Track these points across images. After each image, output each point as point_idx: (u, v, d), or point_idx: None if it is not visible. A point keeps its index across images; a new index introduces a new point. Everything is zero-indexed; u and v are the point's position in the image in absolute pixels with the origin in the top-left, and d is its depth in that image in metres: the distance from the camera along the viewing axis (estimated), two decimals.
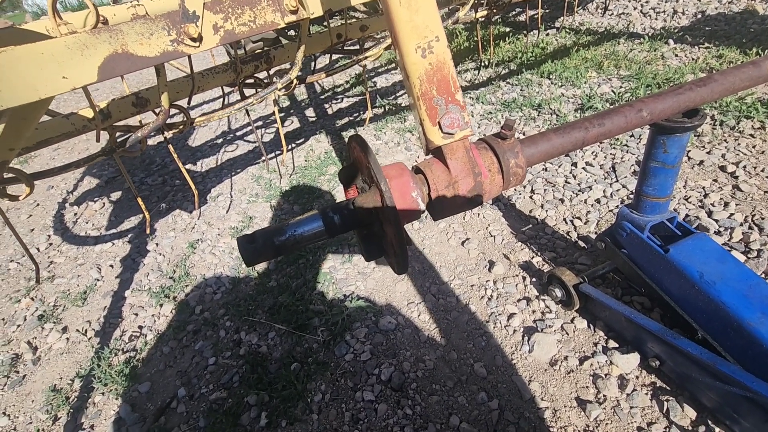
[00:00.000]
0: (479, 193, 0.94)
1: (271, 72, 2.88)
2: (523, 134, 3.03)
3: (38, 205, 3.65)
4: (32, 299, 2.52)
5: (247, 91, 3.63)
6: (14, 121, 1.38)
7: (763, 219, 1.90)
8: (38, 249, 3.00)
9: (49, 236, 3.14)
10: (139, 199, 2.19)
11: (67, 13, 1.97)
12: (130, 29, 1.33)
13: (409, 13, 0.85)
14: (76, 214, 3.38)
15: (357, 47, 3.05)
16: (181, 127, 2.10)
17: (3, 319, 2.41)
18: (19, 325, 2.34)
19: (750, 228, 1.88)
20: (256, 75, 2.50)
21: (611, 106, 2.98)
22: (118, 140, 2.02)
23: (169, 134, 2.11)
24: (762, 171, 2.17)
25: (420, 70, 0.87)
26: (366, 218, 0.89)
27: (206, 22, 1.41)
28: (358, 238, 0.96)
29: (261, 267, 2.35)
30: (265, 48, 3.42)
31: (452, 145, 0.90)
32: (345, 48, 2.81)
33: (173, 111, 1.96)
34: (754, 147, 2.36)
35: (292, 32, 4.69)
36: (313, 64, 3.62)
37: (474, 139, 0.96)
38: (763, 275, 1.67)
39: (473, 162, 0.92)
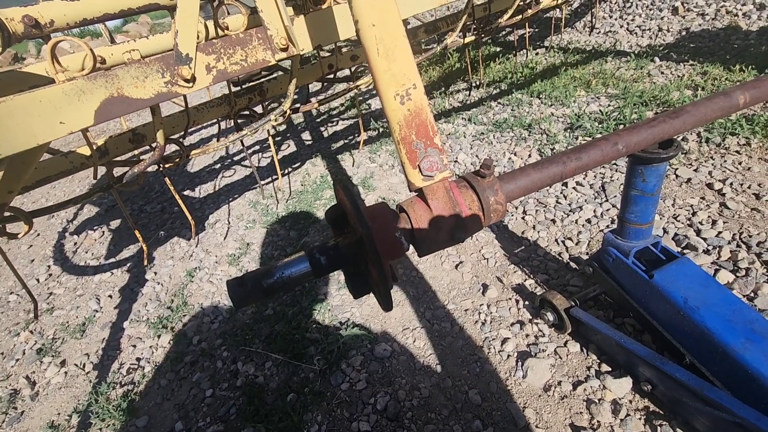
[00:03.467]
0: (461, 231, 0.97)
1: (266, 101, 2.94)
2: (514, 154, 3.08)
3: (39, 235, 3.69)
4: (31, 332, 2.53)
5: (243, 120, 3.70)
6: (13, 166, 1.43)
7: (750, 237, 1.92)
8: (38, 280, 3.02)
9: (49, 267, 3.17)
10: (137, 232, 2.23)
11: (66, 56, 2.04)
12: (126, 73, 1.38)
13: (387, 62, 0.89)
14: (75, 243, 3.41)
15: (349, 73, 3.13)
16: (177, 160, 2.15)
17: (2, 354, 2.42)
18: (18, 360, 2.34)
19: (738, 246, 1.90)
20: (250, 107, 2.56)
21: (599, 125, 3.04)
22: (116, 175, 2.07)
23: (165, 167, 2.16)
24: (749, 188, 2.21)
25: (399, 116, 0.91)
26: (351, 258, 0.92)
27: (199, 63, 1.47)
28: (345, 277, 0.99)
29: None
30: (262, 72, 3.50)
31: (432, 186, 0.93)
32: (337, 76, 2.88)
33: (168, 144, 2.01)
34: (740, 164, 2.40)
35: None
36: (307, 89, 3.70)
37: (466, 162, 0.99)
38: (752, 294, 1.69)
39: (454, 201, 0.96)
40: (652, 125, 1.14)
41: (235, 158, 4.33)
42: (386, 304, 0.91)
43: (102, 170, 2.15)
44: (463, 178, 1.02)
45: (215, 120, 3.68)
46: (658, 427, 1.36)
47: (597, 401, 1.48)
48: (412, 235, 0.96)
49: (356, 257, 0.92)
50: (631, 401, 1.46)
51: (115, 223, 3.57)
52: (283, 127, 4.84)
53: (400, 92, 0.90)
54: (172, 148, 2.32)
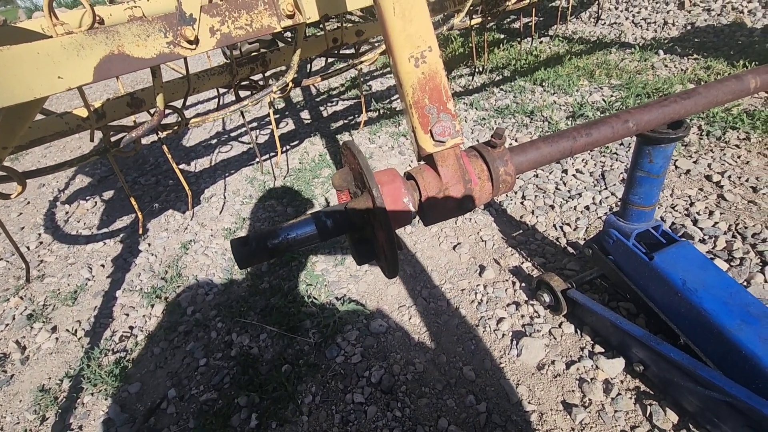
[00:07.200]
0: (469, 200, 0.96)
1: (267, 74, 2.88)
2: (515, 140, 3.07)
3: (29, 203, 3.63)
4: (21, 298, 2.50)
5: (243, 93, 3.63)
6: (8, 120, 1.39)
7: (746, 228, 1.94)
8: (28, 248, 2.98)
9: (40, 235, 3.12)
10: (132, 199, 2.19)
11: (62, 10, 1.97)
12: (127, 30, 1.34)
13: (403, 23, 0.87)
14: (67, 212, 3.36)
15: (353, 51, 3.08)
16: (175, 127, 2.11)
17: None
18: (7, 325, 2.32)
19: (733, 236, 1.92)
20: (251, 77, 2.51)
21: (601, 115, 3.04)
22: (113, 140, 2.02)
23: (163, 135, 2.11)
24: (746, 181, 2.23)
25: (413, 79, 0.89)
26: (358, 222, 0.91)
27: (203, 25, 1.43)
28: (349, 242, 0.98)
29: (254, 268, 2.35)
30: (261, 50, 3.44)
31: (443, 153, 0.92)
32: (341, 52, 2.83)
33: (168, 111, 1.97)
34: (739, 157, 2.41)
35: (288, 34, 4.70)
36: (308, 66, 3.64)
37: (466, 145, 0.98)
38: (745, 283, 1.71)
39: (464, 169, 0.95)
40: (664, 105, 1.14)
41: (232, 134, 4.27)
42: (392, 271, 0.90)
43: (98, 138, 2.10)
44: (473, 147, 1.01)
45: (215, 94, 3.62)
46: (648, 406, 1.39)
47: (589, 380, 1.50)
48: (419, 203, 0.95)
49: (363, 222, 0.91)
50: (622, 381, 1.49)
51: (108, 194, 3.52)
52: (282, 104, 4.77)
53: (415, 54, 0.88)
54: (170, 121, 2.28)
